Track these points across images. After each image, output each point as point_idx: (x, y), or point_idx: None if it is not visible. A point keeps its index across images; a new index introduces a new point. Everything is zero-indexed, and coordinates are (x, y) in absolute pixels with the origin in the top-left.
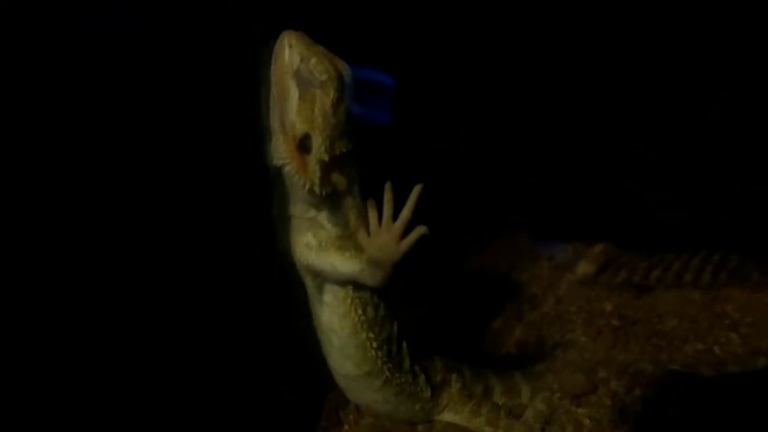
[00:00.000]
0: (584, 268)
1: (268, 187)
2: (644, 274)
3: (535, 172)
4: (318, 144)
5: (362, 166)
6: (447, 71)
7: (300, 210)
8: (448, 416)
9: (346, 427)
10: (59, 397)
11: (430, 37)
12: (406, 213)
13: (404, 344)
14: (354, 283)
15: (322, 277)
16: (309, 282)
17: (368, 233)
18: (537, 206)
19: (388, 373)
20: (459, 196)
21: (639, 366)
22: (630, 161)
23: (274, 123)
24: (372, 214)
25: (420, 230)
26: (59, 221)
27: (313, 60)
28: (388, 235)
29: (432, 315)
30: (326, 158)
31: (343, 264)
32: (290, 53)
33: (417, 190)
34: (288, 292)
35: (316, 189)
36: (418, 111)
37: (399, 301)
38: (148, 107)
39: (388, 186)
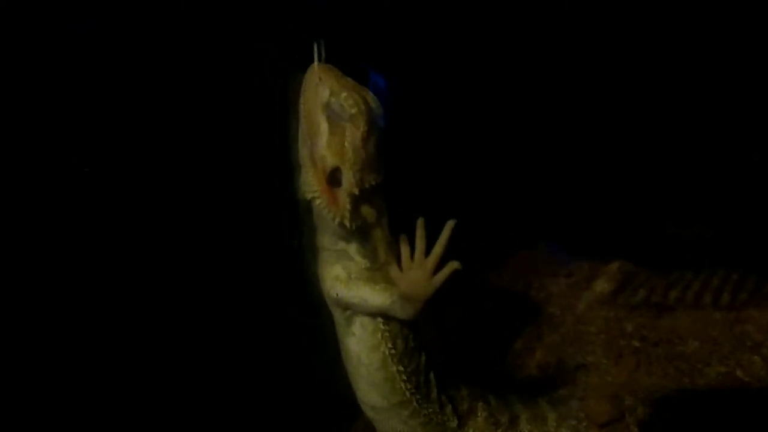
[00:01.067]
0: (602, 286)
1: (297, 217)
2: (663, 294)
3: (550, 189)
4: (348, 177)
5: (391, 198)
6: (464, 82)
7: (329, 242)
8: None
9: None
10: (82, 396)
11: (449, 46)
12: (438, 249)
13: (432, 374)
14: (384, 316)
15: (351, 310)
16: (337, 314)
17: (399, 268)
18: (552, 223)
19: (416, 404)
20: (474, 214)
21: (664, 392)
22: (645, 177)
23: (304, 156)
24: (404, 250)
25: (452, 266)
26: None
27: (344, 94)
28: (420, 271)
29: (454, 338)
30: (356, 191)
31: (374, 297)
32: (320, 87)
33: (450, 225)
34: (315, 321)
35: (347, 222)
36: (430, 123)
37: (427, 330)
38: (174, 137)
39: (420, 222)
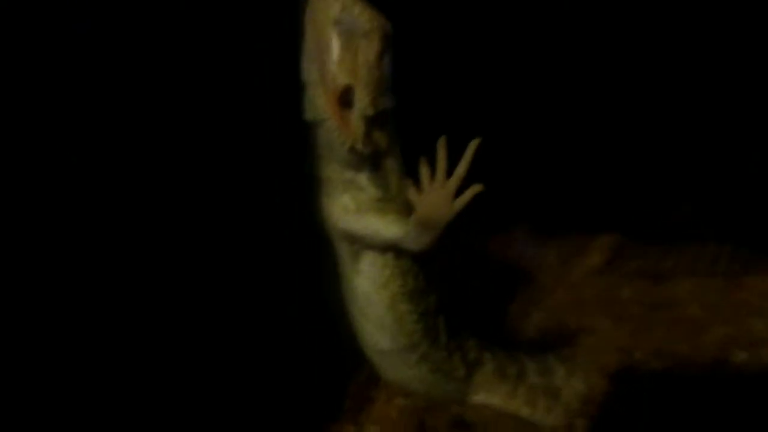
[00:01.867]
0: (593, 258)
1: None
2: (656, 264)
3: (540, 164)
4: (361, 98)
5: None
6: (451, 61)
7: (336, 171)
8: (482, 397)
9: (377, 404)
10: (81, 395)
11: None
12: (461, 169)
13: (441, 318)
14: (395, 250)
15: (359, 244)
16: (344, 249)
17: (417, 191)
18: (542, 198)
19: (425, 348)
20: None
21: (674, 347)
22: (633, 156)
23: (312, 75)
24: (424, 170)
25: (475, 188)
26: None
27: (357, 8)
28: (441, 193)
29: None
30: (371, 113)
31: (387, 228)
32: (331, 1)
33: (474, 144)
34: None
35: (359, 146)
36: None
37: (436, 272)
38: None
39: (442, 141)
